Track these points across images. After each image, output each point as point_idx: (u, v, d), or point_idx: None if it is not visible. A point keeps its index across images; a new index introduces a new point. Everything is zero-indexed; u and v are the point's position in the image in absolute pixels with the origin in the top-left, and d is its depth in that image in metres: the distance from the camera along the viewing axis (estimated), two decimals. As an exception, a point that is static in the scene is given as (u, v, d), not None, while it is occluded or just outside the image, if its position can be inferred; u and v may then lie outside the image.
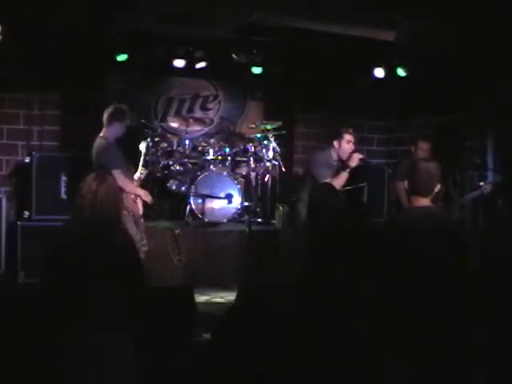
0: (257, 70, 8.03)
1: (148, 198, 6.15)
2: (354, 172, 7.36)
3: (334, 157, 5.84)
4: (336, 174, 5.72)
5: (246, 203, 7.63)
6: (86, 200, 3.35)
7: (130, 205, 6.04)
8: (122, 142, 6.35)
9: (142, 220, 6.27)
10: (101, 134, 5.85)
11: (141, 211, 6.23)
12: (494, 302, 3.75)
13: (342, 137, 5.82)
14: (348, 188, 6.87)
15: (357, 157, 5.72)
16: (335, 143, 5.87)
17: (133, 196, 6.03)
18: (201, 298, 6.19)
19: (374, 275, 3.67)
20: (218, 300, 6.31)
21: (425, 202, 3.61)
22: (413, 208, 3.66)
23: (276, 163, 7.67)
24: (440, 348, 3.41)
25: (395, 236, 3.58)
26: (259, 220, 7.58)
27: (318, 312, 3.63)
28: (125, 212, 5.97)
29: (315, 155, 6.15)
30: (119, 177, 5.67)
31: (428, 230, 3.52)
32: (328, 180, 5.58)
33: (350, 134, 5.84)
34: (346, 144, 5.80)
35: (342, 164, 5.77)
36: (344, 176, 5.64)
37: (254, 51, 7.82)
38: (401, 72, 7.76)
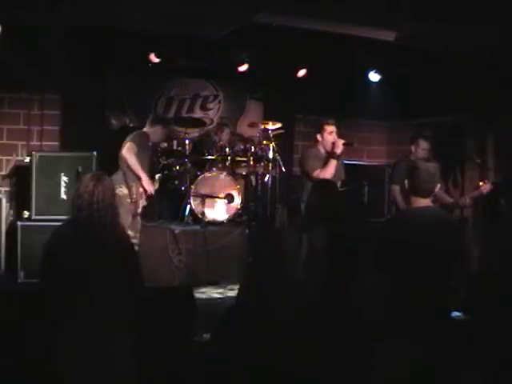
0: (256, 70, 8.03)
1: (149, 188, 6.18)
2: (353, 172, 7.36)
3: (322, 150, 5.90)
4: (325, 163, 5.76)
5: (245, 203, 7.63)
6: (83, 200, 3.36)
7: (136, 194, 6.05)
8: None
9: (138, 218, 6.26)
10: None
11: (140, 209, 6.24)
12: (496, 302, 3.75)
13: (323, 129, 5.89)
14: (344, 189, 6.87)
15: (340, 142, 5.79)
16: (318, 137, 5.94)
17: (141, 190, 6.10)
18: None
19: (373, 275, 3.67)
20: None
21: (425, 202, 3.59)
22: (413, 208, 3.63)
23: (276, 163, 7.67)
24: (439, 346, 3.41)
25: (394, 236, 3.57)
26: (259, 220, 7.57)
27: (320, 312, 3.63)
28: (128, 200, 6.01)
29: (304, 152, 6.28)
30: (130, 150, 6.02)
31: (428, 230, 3.51)
32: (318, 170, 5.62)
33: (330, 124, 5.90)
34: (328, 135, 5.86)
35: (330, 153, 5.83)
36: (333, 163, 5.71)
37: (254, 51, 7.82)
38: (400, 72, 7.76)
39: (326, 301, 3.60)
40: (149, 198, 6.26)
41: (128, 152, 6.02)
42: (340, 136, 5.89)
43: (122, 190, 5.97)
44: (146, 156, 6.29)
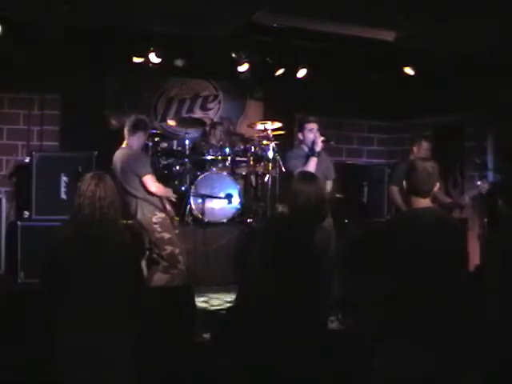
0: (256, 70, 8.03)
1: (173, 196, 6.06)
2: (354, 172, 7.36)
3: (305, 149, 5.92)
4: (305, 161, 5.79)
5: (245, 203, 7.63)
6: (85, 198, 3.37)
7: (169, 209, 5.88)
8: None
9: None
10: (124, 145, 5.81)
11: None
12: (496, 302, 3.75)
13: (303, 127, 5.92)
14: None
15: (319, 140, 5.81)
16: (300, 135, 5.98)
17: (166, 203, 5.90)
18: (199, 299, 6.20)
19: (375, 276, 3.68)
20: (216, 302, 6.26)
21: (424, 202, 3.58)
22: (413, 209, 3.63)
23: (276, 163, 7.67)
24: (440, 347, 3.41)
25: (395, 238, 3.57)
26: (259, 220, 7.57)
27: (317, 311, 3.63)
28: (168, 221, 5.79)
29: (287, 153, 6.31)
30: (151, 181, 5.71)
31: (429, 230, 3.51)
32: (300, 169, 5.65)
33: (311, 122, 5.93)
34: (308, 133, 5.89)
35: (309, 151, 5.85)
36: (313, 161, 5.74)
37: (255, 51, 7.82)
38: (400, 72, 7.76)
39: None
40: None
41: (156, 186, 5.74)
42: (321, 133, 5.92)
43: (159, 215, 5.71)
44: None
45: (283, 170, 7.70)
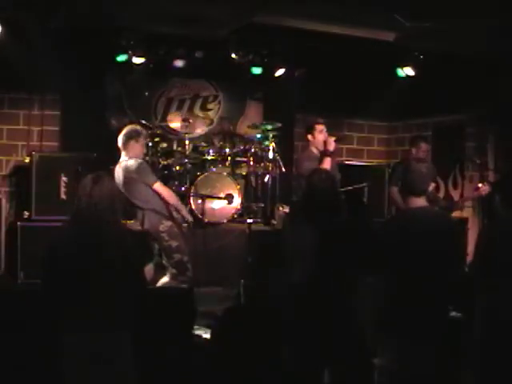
0: (257, 70, 8.05)
1: (189, 217, 6.01)
2: (354, 172, 7.37)
3: (314, 150, 5.98)
4: (320, 161, 5.82)
5: (245, 203, 7.63)
6: (85, 199, 3.38)
7: (176, 217, 5.81)
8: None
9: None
10: (122, 159, 5.68)
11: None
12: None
13: (313, 129, 5.99)
14: (349, 188, 6.89)
15: (331, 139, 5.87)
16: (310, 137, 6.03)
17: (175, 213, 5.81)
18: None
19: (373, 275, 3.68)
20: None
21: (420, 201, 3.62)
22: (411, 209, 3.66)
23: (276, 163, 7.68)
24: (438, 345, 3.42)
25: (394, 238, 3.58)
26: (259, 220, 7.58)
27: (318, 311, 3.63)
28: (175, 229, 5.76)
29: (299, 155, 6.37)
30: (162, 188, 5.70)
31: (426, 230, 3.52)
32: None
33: (320, 123, 6.02)
34: (319, 134, 5.97)
35: (323, 151, 5.90)
36: (327, 161, 5.81)
37: (254, 51, 7.82)
38: (403, 72, 7.77)
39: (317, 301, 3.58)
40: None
41: (167, 191, 5.73)
42: (330, 134, 5.98)
43: (166, 224, 5.67)
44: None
45: (283, 170, 7.72)
